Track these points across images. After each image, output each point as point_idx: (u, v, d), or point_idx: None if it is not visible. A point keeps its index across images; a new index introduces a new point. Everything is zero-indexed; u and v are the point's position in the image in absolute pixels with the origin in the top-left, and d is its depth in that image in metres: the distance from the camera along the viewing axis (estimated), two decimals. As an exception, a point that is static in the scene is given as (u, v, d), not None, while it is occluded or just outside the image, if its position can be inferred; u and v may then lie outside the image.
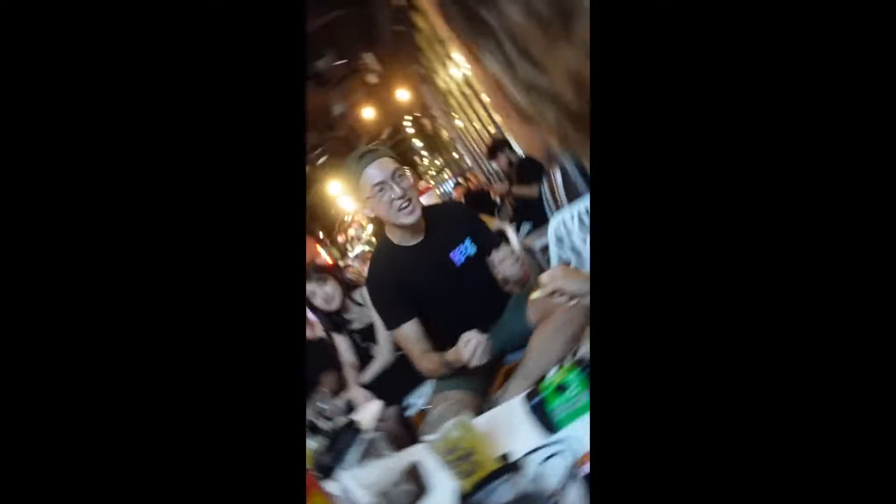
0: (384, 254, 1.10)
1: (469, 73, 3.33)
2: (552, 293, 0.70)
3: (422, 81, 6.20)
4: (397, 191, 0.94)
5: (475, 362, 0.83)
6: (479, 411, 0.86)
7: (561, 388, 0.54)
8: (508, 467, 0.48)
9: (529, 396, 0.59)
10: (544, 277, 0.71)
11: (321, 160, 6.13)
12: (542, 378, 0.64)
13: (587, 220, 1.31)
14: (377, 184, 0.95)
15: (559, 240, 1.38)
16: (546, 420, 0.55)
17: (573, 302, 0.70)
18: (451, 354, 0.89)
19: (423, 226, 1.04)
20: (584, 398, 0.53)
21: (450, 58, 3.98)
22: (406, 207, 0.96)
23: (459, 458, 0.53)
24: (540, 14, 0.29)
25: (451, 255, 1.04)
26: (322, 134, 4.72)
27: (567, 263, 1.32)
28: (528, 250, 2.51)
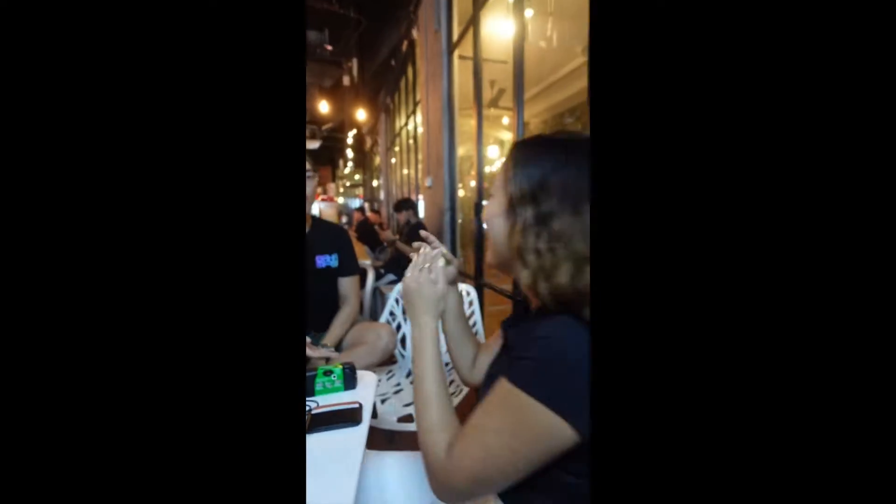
0: None
1: (420, 133, 3.82)
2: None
3: (384, 110, 6.59)
4: None
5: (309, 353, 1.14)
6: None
7: (327, 374, 0.85)
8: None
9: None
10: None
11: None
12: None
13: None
14: None
15: (396, 300, 1.77)
16: (309, 388, 0.85)
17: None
18: None
19: (308, 226, 1.39)
20: (340, 385, 0.85)
21: (413, 113, 4.46)
22: None
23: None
24: None
25: (318, 257, 1.37)
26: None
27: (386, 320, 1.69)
28: (381, 293, 2.86)
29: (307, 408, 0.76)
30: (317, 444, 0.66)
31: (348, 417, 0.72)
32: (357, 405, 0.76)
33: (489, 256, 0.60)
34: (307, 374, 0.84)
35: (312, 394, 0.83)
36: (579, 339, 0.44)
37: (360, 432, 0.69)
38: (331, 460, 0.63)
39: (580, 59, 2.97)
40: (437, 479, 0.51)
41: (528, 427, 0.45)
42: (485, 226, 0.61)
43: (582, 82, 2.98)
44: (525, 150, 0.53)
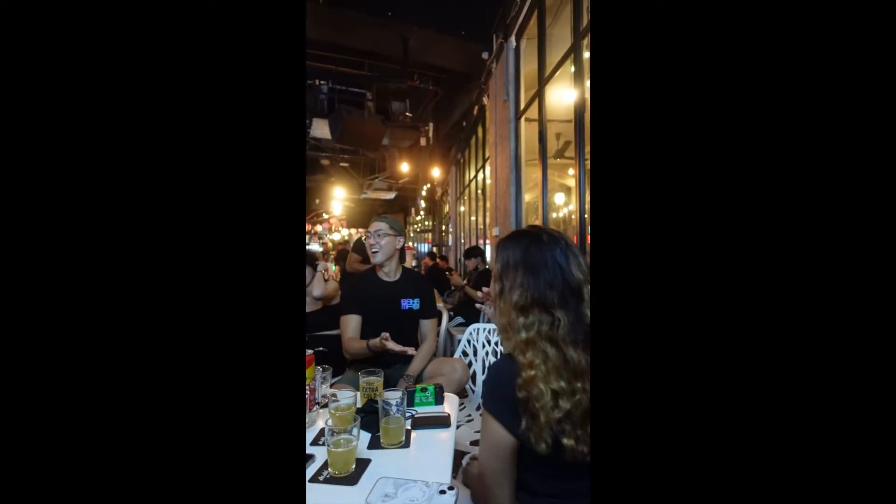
0: (366, 278, 1.69)
1: (489, 184, 4.17)
2: None
3: (454, 164, 7.17)
4: (371, 241, 1.65)
5: (391, 346, 1.40)
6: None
7: (423, 390, 1.09)
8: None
9: (407, 388, 1.13)
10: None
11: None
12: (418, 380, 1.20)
13: (491, 339, 1.91)
14: (368, 232, 1.67)
15: (468, 341, 1.98)
16: (410, 401, 1.08)
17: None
18: (373, 342, 1.45)
19: (398, 275, 1.72)
20: (432, 400, 1.08)
21: (482, 167, 4.86)
22: (374, 251, 1.65)
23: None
24: None
25: (402, 300, 1.68)
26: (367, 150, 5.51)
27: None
28: (450, 334, 3.08)
29: (410, 414, 1.00)
30: (420, 438, 0.90)
31: (441, 422, 0.95)
32: (446, 414, 0.99)
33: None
34: (408, 390, 1.08)
35: (412, 405, 1.07)
36: (502, 366, 0.68)
37: (450, 432, 0.92)
38: (430, 449, 0.86)
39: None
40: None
41: (486, 434, 0.67)
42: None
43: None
44: (501, 243, 0.75)
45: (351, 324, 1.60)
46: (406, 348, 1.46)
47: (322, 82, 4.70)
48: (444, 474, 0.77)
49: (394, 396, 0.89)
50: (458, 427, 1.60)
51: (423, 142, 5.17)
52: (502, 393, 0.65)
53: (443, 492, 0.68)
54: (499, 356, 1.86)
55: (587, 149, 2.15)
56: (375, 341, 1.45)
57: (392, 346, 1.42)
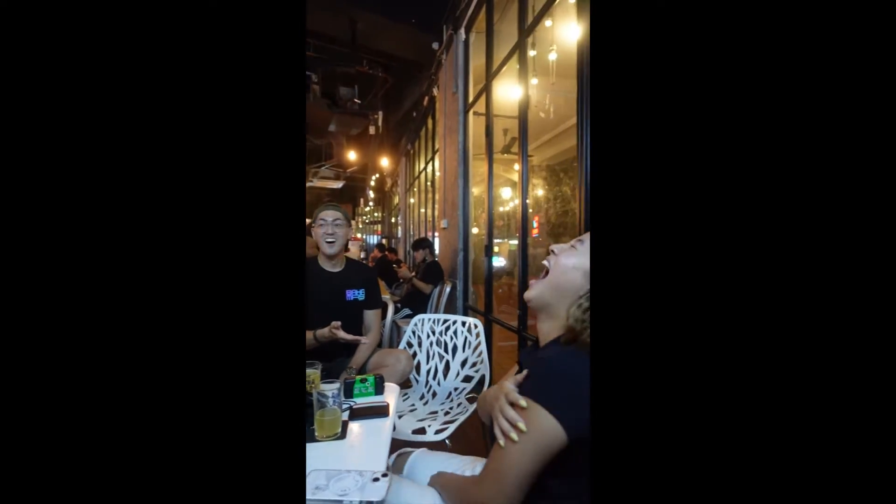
0: (308, 268, 1.62)
1: (438, 177, 4.18)
2: None
3: (405, 155, 7.10)
4: (329, 230, 1.59)
5: (341, 335, 1.40)
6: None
7: (363, 381, 1.08)
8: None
9: (345, 379, 1.11)
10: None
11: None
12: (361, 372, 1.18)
13: (436, 329, 1.94)
14: (321, 220, 1.60)
15: (413, 332, 1.99)
16: (348, 392, 1.07)
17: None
18: (321, 332, 1.43)
19: (343, 265, 1.67)
20: (372, 390, 1.08)
21: (432, 159, 4.86)
22: (331, 241, 1.59)
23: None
24: None
25: (347, 291, 1.65)
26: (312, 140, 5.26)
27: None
28: (397, 326, 3.08)
29: (348, 405, 0.98)
30: (358, 429, 0.90)
31: (380, 411, 0.95)
32: (385, 403, 0.99)
33: (536, 291, 0.69)
34: (347, 381, 1.07)
35: (351, 395, 1.06)
36: (574, 360, 0.59)
37: (388, 421, 0.92)
38: (368, 439, 0.85)
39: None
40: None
41: (530, 426, 0.58)
42: (547, 263, 0.71)
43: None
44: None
45: None
46: (358, 337, 1.45)
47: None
48: (380, 463, 0.77)
49: (330, 388, 0.87)
50: (400, 417, 1.62)
51: (372, 130, 5.05)
52: (568, 387, 0.57)
53: (376, 479, 0.69)
54: (442, 345, 1.90)
55: (537, 143, 2.22)
56: (324, 331, 1.42)
57: (342, 335, 1.40)
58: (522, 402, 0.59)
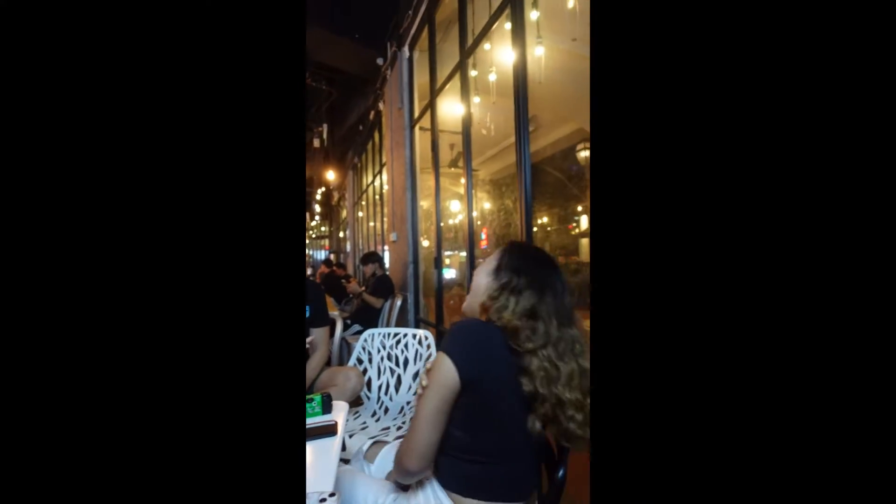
0: None
1: (386, 190, 4.18)
2: None
3: (352, 168, 7.01)
4: None
5: None
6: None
7: (309, 400, 1.05)
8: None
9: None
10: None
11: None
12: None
13: (386, 343, 1.93)
14: None
15: (363, 347, 1.96)
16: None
17: None
18: None
19: None
20: (319, 410, 1.05)
21: (380, 173, 4.85)
22: None
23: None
24: None
25: None
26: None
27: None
28: (347, 343, 3.00)
29: (293, 427, 0.96)
30: (307, 450, 0.86)
31: (327, 431, 0.93)
32: (333, 422, 0.97)
33: (466, 303, 0.85)
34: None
35: (296, 417, 1.03)
36: (475, 322, 0.77)
37: (336, 440, 0.90)
38: (317, 459, 0.83)
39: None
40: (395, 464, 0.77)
41: (432, 369, 0.72)
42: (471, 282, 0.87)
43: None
44: (513, 252, 0.83)
45: None
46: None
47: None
48: (328, 482, 0.76)
49: (274, 410, 0.84)
50: (350, 436, 1.58)
51: (316, 143, 4.95)
52: (464, 335, 0.73)
53: (323, 500, 0.67)
54: (393, 359, 1.89)
55: (482, 158, 2.30)
56: None
57: None
58: (428, 364, 0.74)
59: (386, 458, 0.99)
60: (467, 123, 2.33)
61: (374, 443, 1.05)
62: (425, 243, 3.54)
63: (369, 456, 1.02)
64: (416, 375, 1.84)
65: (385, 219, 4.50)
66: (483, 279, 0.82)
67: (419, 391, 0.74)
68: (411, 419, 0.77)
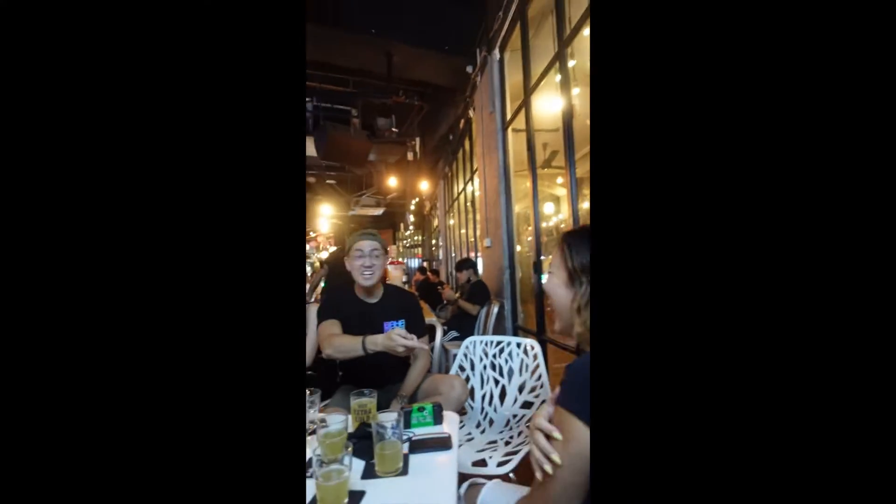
0: (344, 296, 1.55)
1: (478, 196, 4.16)
2: None
3: (443, 178, 7.18)
4: (367, 262, 1.46)
5: (399, 342, 1.13)
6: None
7: (421, 409, 1.01)
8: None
9: (403, 408, 1.05)
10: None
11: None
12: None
13: (489, 352, 1.85)
14: (357, 250, 1.48)
15: (464, 355, 1.91)
16: (406, 422, 1.01)
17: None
18: (371, 339, 1.19)
19: (381, 295, 1.56)
20: (430, 420, 1.00)
21: (470, 180, 4.86)
22: (368, 274, 1.47)
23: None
24: None
25: (385, 323, 1.53)
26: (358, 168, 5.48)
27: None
28: (445, 350, 3.00)
29: (408, 437, 0.92)
30: (419, 463, 0.82)
31: (442, 443, 0.87)
32: (447, 434, 0.91)
33: (556, 325, 0.70)
34: (404, 410, 1.01)
35: (409, 426, 0.99)
36: (588, 362, 0.53)
37: (451, 454, 0.84)
38: (432, 474, 0.78)
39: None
40: None
41: (569, 442, 0.54)
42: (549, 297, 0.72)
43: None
44: (575, 237, 0.68)
45: (332, 328, 1.40)
46: (418, 343, 1.16)
47: (307, 100, 4.67)
48: (448, 502, 0.69)
49: (389, 418, 0.81)
50: (458, 447, 1.52)
51: (410, 156, 5.16)
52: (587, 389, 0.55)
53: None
54: (497, 369, 1.79)
55: (577, 157, 2.13)
56: (377, 337, 1.20)
57: (402, 341, 1.12)
58: (556, 433, 0.56)
59: (486, 501, 0.84)
60: (567, 117, 2.17)
61: (471, 485, 0.91)
62: (518, 248, 3.40)
63: (469, 498, 0.88)
64: (521, 388, 1.72)
65: (477, 225, 4.48)
66: (559, 291, 0.68)
67: (543, 463, 0.56)
68: (535, 491, 0.60)
